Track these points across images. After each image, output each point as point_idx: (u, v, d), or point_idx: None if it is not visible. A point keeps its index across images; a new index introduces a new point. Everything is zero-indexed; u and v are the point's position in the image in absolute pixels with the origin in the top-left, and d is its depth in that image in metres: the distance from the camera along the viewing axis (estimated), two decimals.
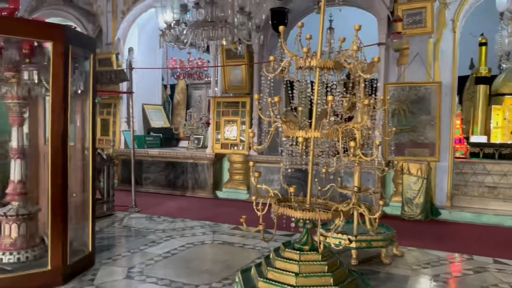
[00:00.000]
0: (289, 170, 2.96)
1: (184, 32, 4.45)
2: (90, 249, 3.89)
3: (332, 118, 2.80)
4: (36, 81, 3.61)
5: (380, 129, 4.53)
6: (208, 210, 6.67)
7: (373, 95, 4.24)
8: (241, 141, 7.60)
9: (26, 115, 3.86)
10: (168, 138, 9.43)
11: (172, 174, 8.14)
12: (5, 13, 3.51)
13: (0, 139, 5.46)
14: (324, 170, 3.53)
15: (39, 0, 9.57)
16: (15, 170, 3.66)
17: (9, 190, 3.65)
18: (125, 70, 6.83)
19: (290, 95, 3.03)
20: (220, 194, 7.81)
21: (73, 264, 3.57)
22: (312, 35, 2.96)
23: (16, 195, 3.64)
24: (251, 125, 7.46)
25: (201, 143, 8.75)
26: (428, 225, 5.93)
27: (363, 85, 4.14)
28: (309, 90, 2.88)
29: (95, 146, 4.11)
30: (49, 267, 3.37)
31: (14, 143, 3.66)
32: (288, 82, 3.21)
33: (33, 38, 3.40)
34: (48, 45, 3.40)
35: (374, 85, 4.46)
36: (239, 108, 7.67)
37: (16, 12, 3.64)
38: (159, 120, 9.62)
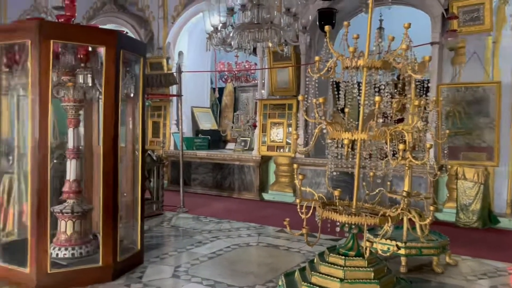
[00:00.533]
0: (334, 173, 2.89)
1: (231, 34, 4.49)
2: (139, 247, 4.00)
3: (380, 120, 2.71)
4: (90, 85, 3.77)
5: (432, 131, 4.33)
6: (254, 212, 6.69)
7: (424, 96, 4.06)
8: (287, 143, 7.56)
9: (81, 117, 4.05)
10: (216, 140, 9.56)
11: (219, 176, 8.24)
12: (62, 20, 3.70)
13: (61, 140, 5.78)
14: (371, 174, 3.43)
15: (96, 8, 10.05)
16: (71, 170, 3.83)
17: (65, 188, 3.83)
18: (174, 73, 6.99)
19: (336, 96, 2.96)
20: (266, 196, 7.81)
21: (123, 261, 3.69)
22: (360, 35, 2.88)
23: (72, 194, 3.81)
24: (297, 127, 7.40)
25: (247, 145, 8.80)
26: (485, 233, 5.60)
27: (413, 85, 3.98)
28: (356, 90, 2.80)
29: (145, 147, 4.22)
30: (100, 264, 3.50)
31: (70, 144, 3.84)
32: (334, 82, 3.14)
33: (87, 43, 3.55)
34: (101, 50, 3.55)
35: (426, 86, 4.27)
36: (286, 110, 7.64)
37: (73, 19, 3.83)
38: (207, 123, 9.78)
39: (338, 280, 2.64)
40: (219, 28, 4.48)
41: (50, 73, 3.28)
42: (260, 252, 4.56)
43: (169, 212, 6.34)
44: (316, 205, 2.84)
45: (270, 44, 4.58)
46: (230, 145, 9.41)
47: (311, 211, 2.83)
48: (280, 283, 2.99)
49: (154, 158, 6.27)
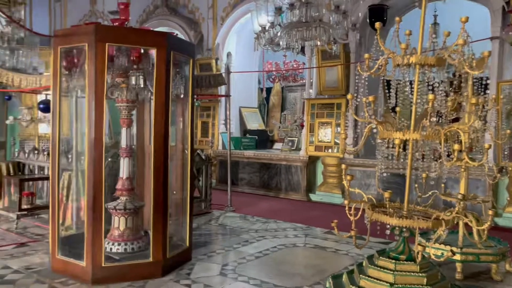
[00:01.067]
0: (385, 174, 2.80)
1: (278, 34, 4.48)
2: (188, 244, 4.08)
3: (434, 119, 2.59)
4: (142, 86, 3.90)
5: (491, 131, 4.09)
6: (301, 212, 6.64)
7: (483, 94, 3.85)
8: (336, 143, 7.44)
9: (134, 117, 4.20)
10: (263, 140, 9.59)
11: (266, 176, 8.25)
12: (117, 23, 3.85)
13: (115, 139, 6.03)
14: (424, 175, 3.29)
15: (149, 11, 10.39)
16: (124, 168, 3.98)
17: (118, 186, 3.98)
18: (223, 74, 7.08)
19: (387, 95, 2.87)
20: (313, 197, 7.73)
21: (172, 258, 3.79)
22: (413, 31, 2.77)
23: (124, 191, 3.96)
24: (346, 127, 7.26)
25: (295, 145, 8.75)
26: None
27: (471, 82, 3.78)
28: (408, 89, 2.70)
29: (194, 147, 4.30)
30: (150, 259, 3.61)
31: (123, 143, 3.99)
32: (385, 81, 3.05)
33: (139, 45, 3.68)
34: (153, 52, 3.66)
35: (485, 83, 4.04)
36: (334, 109, 7.52)
37: (126, 23, 3.98)
38: (254, 122, 9.83)
39: (388, 284, 2.56)
40: (267, 28, 4.48)
41: (105, 75, 3.42)
42: (307, 253, 4.52)
43: (217, 211, 6.43)
44: (365, 207, 2.77)
45: (318, 43, 4.52)
46: (277, 145, 9.40)
47: (360, 213, 2.76)
48: (327, 285, 2.94)
49: (203, 157, 6.38)
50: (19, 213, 5.11)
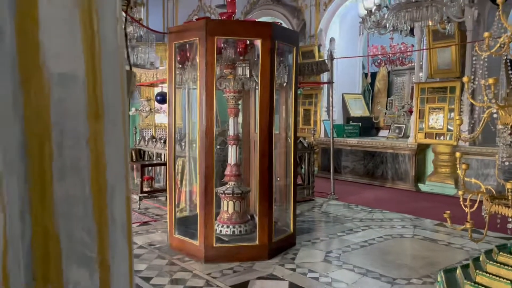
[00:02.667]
0: (506, 163, 2.56)
1: (385, 16, 4.29)
2: (292, 230, 4.18)
3: None
4: (248, 76, 4.06)
5: None
6: (409, 203, 6.35)
7: None
8: (449, 130, 6.93)
9: (240, 106, 4.40)
10: (368, 127, 9.31)
11: (370, 164, 8.03)
12: (224, 17, 4.04)
13: (222, 128, 6.36)
14: None
15: (253, 2, 10.66)
16: (231, 155, 4.20)
17: (226, 172, 4.22)
18: (326, 61, 7.02)
19: (510, 76, 2.61)
20: (422, 187, 7.32)
21: (277, 242, 3.92)
22: None
23: (232, 176, 4.18)
24: (461, 112, 6.72)
25: (402, 133, 8.34)
26: None
27: None
28: None
29: (297, 134, 4.37)
30: (257, 242, 3.78)
31: (230, 131, 4.21)
32: (508, 61, 2.76)
33: (245, 37, 3.82)
34: (258, 43, 3.77)
35: None
36: (447, 93, 6.99)
37: (233, 15, 4.15)
38: (358, 109, 9.58)
39: (509, 282, 2.36)
40: (373, 11, 4.32)
41: (214, 67, 3.63)
42: (416, 245, 4.33)
43: (320, 198, 6.45)
44: (484, 198, 2.57)
45: (430, 23, 4.23)
46: (383, 133, 9.05)
47: (476, 205, 2.57)
48: (439, 279, 2.80)
49: (305, 145, 6.42)
50: (141, 195, 5.69)
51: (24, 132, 0.52)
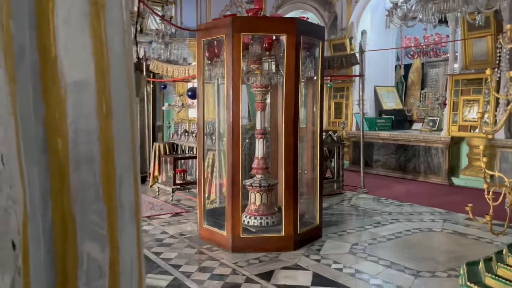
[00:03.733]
0: None
1: (412, 8, 4.24)
2: (318, 222, 4.24)
3: None
4: (274, 71, 4.13)
5: None
6: (441, 197, 6.25)
7: None
8: (484, 123, 6.73)
9: (267, 101, 4.48)
10: (400, 120, 9.18)
11: (402, 157, 7.92)
12: (251, 13, 4.13)
13: (254, 121, 6.46)
14: None
15: None
16: (259, 148, 4.30)
17: (254, 164, 4.32)
18: (356, 53, 6.96)
19: None
20: (456, 181, 7.16)
21: (303, 233, 3.99)
22: None
23: (259, 169, 4.28)
24: (497, 105, 6.52)
25: (436, 126, 8.17)
26: None
27: None
28: None
29: (323, 128, 4.40)
30: (283, 233, 3.87)
31: (258, 125, 4.30)
32: None
33: (271, 33, 3.90)
34: (283, 38, 3.84)
35: None
36: (482, 85, 6.79)
37: (260, 11, 4.23)
38: (391, 102, 9.44)
39: None
40: (399, 4, 4.28)
41: (240, 63, 3.73)
42: (444, 239, 4.29)
43: (349, 192, 6.44)
44: (506, 191, 2.55)
45: (459, 14, 4.15)
46: (416, 125, 8.88)
47: (500, 198, 2.56)
48: (461, 272, 2.80)
49: (335, 138, 6.42)
50: (173, 187, 5.90)
51: (45, 131, 0.64)
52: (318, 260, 3.63)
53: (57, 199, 0.66)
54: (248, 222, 4.19)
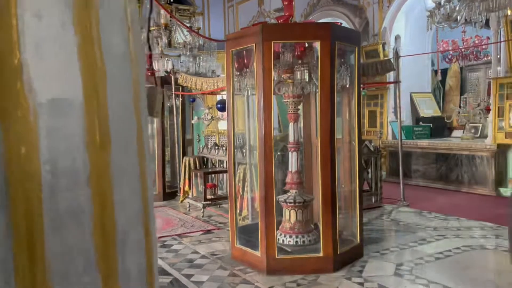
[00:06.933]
0: None
1: (457, 8, 3.93)
2: (359, 240, 3.95)
3: None
4: (307, 80, 3.89)
5: None
6: (489, 209, 5.80)
7: None
8: None
9: (300, 111, 4.25)
10: (439, 127, 8.76)
11: (444, 167, 7.48)
12: (281, 20, 3.92)
13: (285, 132, 6.24)
14: None
15: (313, 4, 10.45)
16: (292, 162, 4.05)
17: (287, 179, 4.08)
18: (391, 59, 6.66)
19: None
20: (505, 191, 6.67)
21: (343, 253, 3.70)
22: None
23: (293, 184, 4.03)
24: None
25: (478, 132, 7.70)
26: None
27: None
28: None
29: (361, 138, 4.14)
30: (321, 254, 3.59)
31: (290, 137, 4.07)
32: None
33: (303, 40, 3.68)
34: (316, 45, 3.61)
35: None
36: None
37: (291, 18, 4.02)
38: (428, 109, 9.04)
39: None
40: (442, 3, 3.98)
41: (272, 72, 3.52)
42: (501, 258, 3.90)
43: (388, 205, 6.09)
44: None
45: (509, 12, 3.81)
46: (457, 133, 8.42)
47: None
48: None
49: (372, 148, 6.12)
50: (204, 202, 5.72)
51: (4, 175, 0.42)
52: (362, 284, 3.33)
53: (25, 277, 0.44)
54: (283, 241, 3.93)
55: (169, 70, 7.24)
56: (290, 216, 3.99)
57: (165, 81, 7.21)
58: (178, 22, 5.90)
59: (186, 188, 6.47)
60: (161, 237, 4.74)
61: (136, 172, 0.52)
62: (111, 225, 0.49)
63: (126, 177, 0.50)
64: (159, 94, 0.81)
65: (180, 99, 7.38)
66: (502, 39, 6.64)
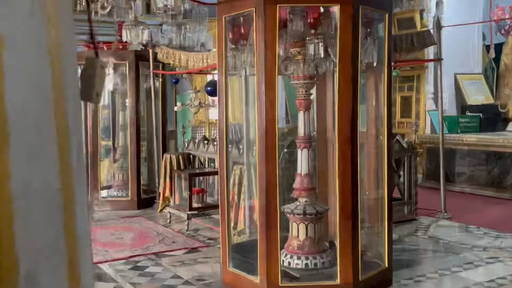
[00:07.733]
0: None
1: None
2: (387, 263, 3.92)
3: None
4: (322, 56, 3.83)
5: None
6: None
7: None
8: None
9: (312, 96, 4.20)
10: (491, 118, 8.97)
11: (497, 169, 7.61)
12: None
13: (293, 124, 6.20)
14: None
15: None
16: (302, 162, 4.01)
17: (296, 184, 4.03)
18: (431, 30, 6.64)
19: None
20: None
21: (366, 280, 3.67)
22: None
23: (303, 191, 3.99)
24: None
25: None
26: None
27: None
28: None
29: (391, 131, 4.10)
30: (338, 281, 3.55)
31: (300, 131, 4.02)
32: None
33: (317, 3, 3.67)
34: (335, 10, 3.56)
35: None
36: None
37: None
38: (478, 95, 9.22)
39: None
40: None
41: (277, 45, 3.49)
42: None
43: (425, 218, 6.12)
44: None
45: None
46: None
47: None
48: None
49: (404, 145, 6.12)
50: (189, 212, 5.68)
51: None
52: None
53: None
54: (289, 263, 3.90)
55: (145, 43, 7.17)
56: (298, 231, 3.95)
57: (140, 56, 7.16)
58: None
59: (167, 193, 6.44)
60: (132, 256, 4.72)
61: (53, 193, 0.45)
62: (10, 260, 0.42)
63: (36, 199, 0.43)
64: (101, 69, 0.72)
65: (160, 79, 7.33)
66: None
